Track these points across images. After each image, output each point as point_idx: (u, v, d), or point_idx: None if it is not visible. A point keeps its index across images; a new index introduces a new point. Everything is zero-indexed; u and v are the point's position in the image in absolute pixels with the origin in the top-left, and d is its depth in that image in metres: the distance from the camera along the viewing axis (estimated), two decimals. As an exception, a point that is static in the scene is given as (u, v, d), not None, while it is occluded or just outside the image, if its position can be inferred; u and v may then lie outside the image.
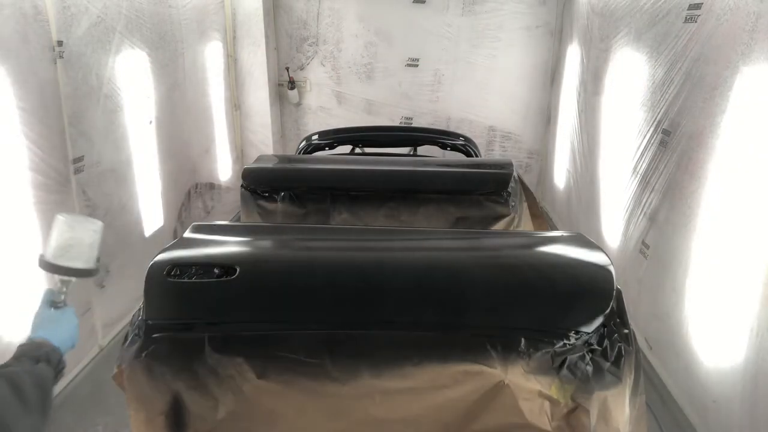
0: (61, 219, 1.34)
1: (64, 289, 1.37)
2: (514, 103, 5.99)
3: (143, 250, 3.48)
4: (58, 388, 2.91)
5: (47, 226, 2.74)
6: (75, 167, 2.98)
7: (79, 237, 1.34)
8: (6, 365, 1.19)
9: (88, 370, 3.11)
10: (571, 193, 4.92)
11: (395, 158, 4.09)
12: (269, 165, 3.37)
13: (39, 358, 1.24)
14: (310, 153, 4.28)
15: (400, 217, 2.82)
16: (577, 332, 1.54)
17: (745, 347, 2.24)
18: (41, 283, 2.72)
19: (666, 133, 3.01)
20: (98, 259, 1.37)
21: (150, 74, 3.82)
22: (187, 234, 1.84)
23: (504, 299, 1.58)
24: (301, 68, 6.08)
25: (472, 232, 2.35)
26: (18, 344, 1.28)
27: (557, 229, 4.62)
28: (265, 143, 5.89)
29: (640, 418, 1.56)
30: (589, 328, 1.55)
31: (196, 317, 1.58)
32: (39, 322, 1.32)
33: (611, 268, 1.65)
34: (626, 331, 1.60)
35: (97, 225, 1.37)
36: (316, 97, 6.17)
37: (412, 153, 4.53)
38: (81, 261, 1.33)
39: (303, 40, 5.98)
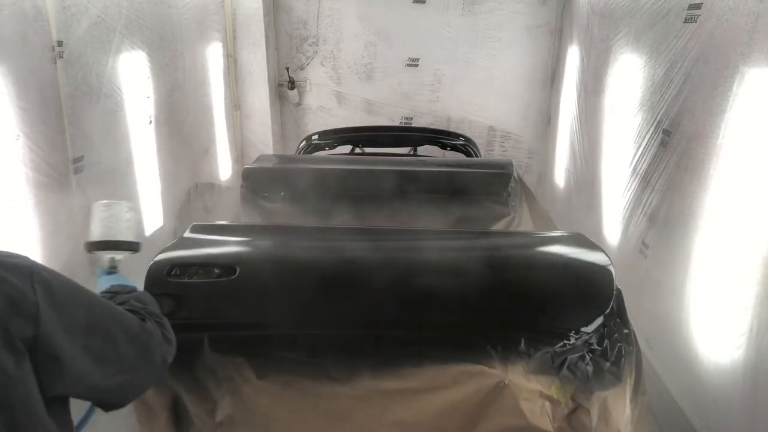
0: (98, 203, 1.43)
1: (115, 266, 1.43)
2: (514, 103, 5.98)
3: (143, 250, 3.47)
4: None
5: (47, 225, 2.74)
6: (75, 167, 2.98)
7: (118, 215, 1.43)
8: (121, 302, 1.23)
9: (88, 370, 3.11)
10: (571, 193, 4.92)
11: (395, 158, 4.09)
12: (269, 165, 3.38)
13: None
14: (310, 153, 4.28)
15: (400, 217, 2.82)
16: (577, 332, 1.54)
17: (745, 347, 2.24)
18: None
19: (666, 133, 3.01)
20: (138, 236, 1.45)
21: (150, 74, 3.82)
22: (187, 234, 1.84)
23: (504, 299, 1.58)
24: (301, 68, 6.07)
25: (472, 232, 2.35)
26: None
27: (557, 229, 4.62)
28: (265, 143, 5.88)
29: (642, 417, 1.56)
30: (589, 328, 1.55)
31: (195, 317, 1.58)
32: (104, 285, 1.36)
33: (611, 268, 1.65)
34: (626, 331, 1.60)
35: (131, 204, 1.46)
36: (316, 97, 6.17)
37: (412, 153, 4.53)
38: (124, 235, 1.41)
39: (303, 40, 5.98)
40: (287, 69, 5.98)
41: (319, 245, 1.91)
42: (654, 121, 3.14)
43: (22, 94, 2.55)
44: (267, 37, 5.64)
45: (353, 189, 2.85)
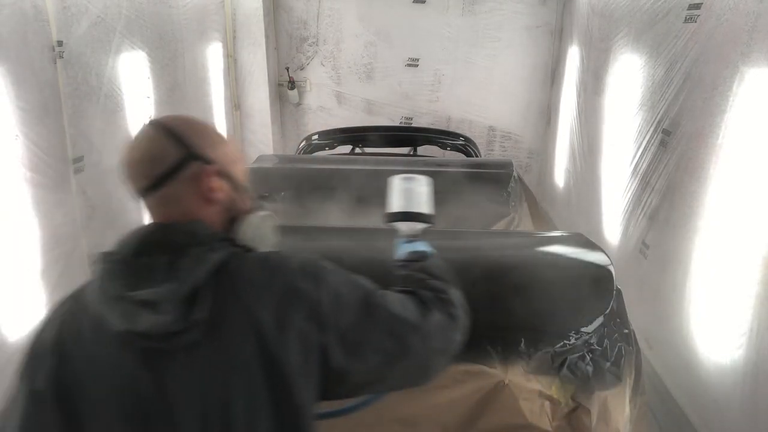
0: (397, 178, 1.50)
1: (415, 234, 1.45)
2: (514, 103, 5.99)
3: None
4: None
5: (47, 225, 2.74)
6: (75, 167, 2.98)
7: (415, 189, 1.47)
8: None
9: (88, 370, 3.11)
10: (571, 193, 4.92)
11: (395, 158, 4.09)
12: (269, 165, 3.37)
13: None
14: (310, 153, 4.28)
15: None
16: (577, 332, 1.54)
17: (745, 347, 2.24)
18: (41, 282, 2.72)
19: (666, 133, 3.01)
20: (431, 209, 1.49)
21: (150, 74, 3.82)
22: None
23: (504, 299, 1.58)
24: (301, 68, 6.08)
25: (471, 232, 2.34)
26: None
27: (557, 229, 4.63)
28: (265, 143, 5.89)
29: (641, 417, 1.56)
30: (589, 328, 1.55)
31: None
32: (401, 253, 1.36)
33: (611, 268, 1.65)
34: (626, 330, 1.60)
35: (427, 179, 1.51)
36: (316, 97, 6.17)
37: (412, 153, 4.52)
38: (423, 208, 1.45)
39: (303, 40, 5.98)
40: (287, 69, 5.98)
41: (320, 245, 1.91)
42: (654, 121, 3.15)
43: (22, 94, 2.55)
44: (267, 37, 5.64)
45: (353, 189, 2.85)
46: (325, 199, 2.82)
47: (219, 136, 1.09)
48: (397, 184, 1.50)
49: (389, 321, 1.03)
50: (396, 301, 1.07)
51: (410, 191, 1.47)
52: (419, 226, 1.44)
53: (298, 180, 3.02)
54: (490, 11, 5.73)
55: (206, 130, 1.07)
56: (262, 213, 1.09)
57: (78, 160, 3.01)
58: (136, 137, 1.04)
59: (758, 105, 2.24)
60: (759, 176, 2.21)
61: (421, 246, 1.34)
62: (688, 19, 2.81)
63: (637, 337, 1.65)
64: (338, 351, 0.97)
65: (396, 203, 1.47)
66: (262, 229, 1.08)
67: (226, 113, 5.44)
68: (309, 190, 2.90)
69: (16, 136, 2.54)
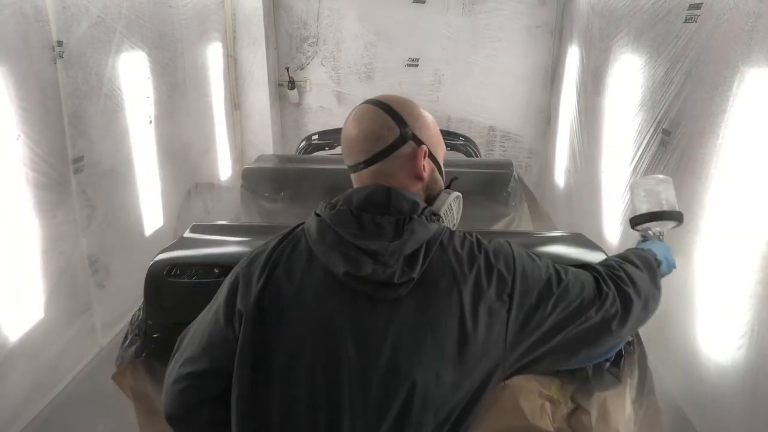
0: (638, 180, 1.58)
1: (661, 235, 1.51)
2: (514, 103, 5.98)
3: (143, 250, 3.48)
4: (56, 389, 2.92)
5: (47, 225, 2.74)
6: (75, 167, 2.98)
7: (659, 189, 1.51)
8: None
9: (88, 370, 3.11)
10: (571, 193, 4.92)
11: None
12: (269, 165, 3.38)
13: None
14: (310, 153, 4.28)
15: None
16: (577, 332, 1.54)
17: (745, 347, 2.24)
18: (41, 281, 2.72)
19: (666, 133, 3.01)
20: (674, 207, 1.52)
21: (150, 74, 3.82)
22: (187, 234, 1.84)
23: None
24: (301, 68, 6.08)
25: (471, 232, 2.34)
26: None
27: (557, 229, 4.63)
28: (265, 143, 5.88)
29: (653, 417, 1.56)
30: (589, 328, 1.55)
31: (196, 317, 1.58)
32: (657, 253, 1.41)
33: (611, 268, 1.64)
34: (626, 331, 1.59)
35: (667, 178, 1.55)
36: (316, 97, 6.17)
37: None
38: (666, 206, 1.49)
39: (303, 40, 5.98)
40: (287, 69, 5.98)
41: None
42: (654, 121, 3.14)
43: (22, 94, 2.55)
44: (267, 37, 5.64)
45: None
46: (324, 199, 2.82)
47: (427, 117, 1.20)
48: (638, 188, 1.54)
49: (567, 302, 1.09)
50: (575, 282, 1.12)
51: (655, 193, 1.51)
52: (668, 226, 1.50)
53: (298, 180, 3.02)
54: (490, 11, 5.73)
55: (420, 112, 1.18)
56: (455, 194, 1.19)
57: (78, 160, 3.01)
58: (357, 114, 1.16)
59: (758, 105, 2.24)
60: (759, 176, 2.21)
61: (664, 250, 1.42)
62: (689, 19, 2.81)
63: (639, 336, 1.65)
64: (517, 329, 1.04)
65: (642, 206, 1.51)
66: (454, 209, 1.19)
67: (226, 113, 5.45)
68: (309, 190, 2.90)
69: (18, 136, 2.54)
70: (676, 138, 2.89)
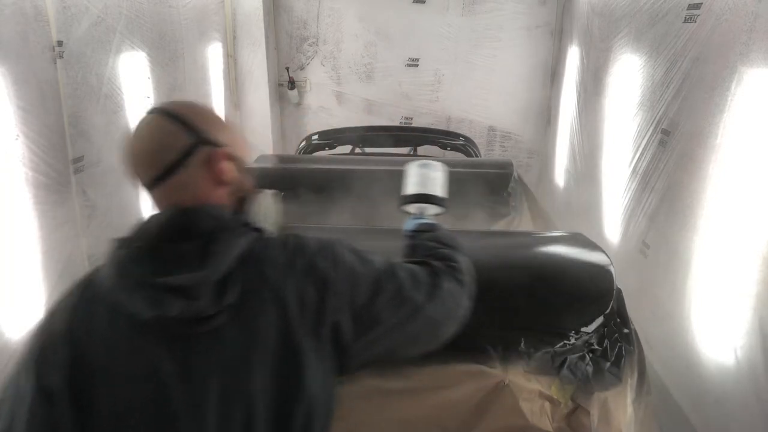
0: (413, 163, 1.59)
1: (422, 213, 1.52)
2: (514, 103, 5.98)
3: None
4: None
5: (47, 225, 2.74)
6: (75, 167, 2.98)
7: (429, 174, 1.55)
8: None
9: (88, 370, 3.11)
10: (571, 193, 4.92)
11: (395, 158, 4.09)
12: (269, 165, 3.37)
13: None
14: (310, 153, 4.28)
15: (401, 216, 2.81)
16: (577, 332, 1.54)
17: (745, 347, 2.24)
18: (40, 282, 2.72)
19: (665, 132, 3.01)
20: (445, 194, 1.55)
21: (150, 74, 3.82)
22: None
23: (504, 299, 1.58)
24: (301, 68, 6.08)
25: (471, 232, 2.35)
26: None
27: (557, 229, 4.63)
28: (265, 143, 5.89)
29: (649, 418, 1.56)
30: (589, 328, 1.55)
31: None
32: (410, 226, 1.43)
33: (611, 268, 1.65)
34: (627, 330, 1.60)
35: (442, 165, 1.61)
36: (316, 97, 6.17)
37: (412, 153, 4.52)
38: (436, 191, 1.52)
39: (303, 40, 5.98)
40: (287, 69, 5.98)
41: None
42: (653, 121, 3.15)
43: (22, 94, 2.55)
44: (267, 37, 5.64)
45: (353, 189, 2.85)
46: (325, 199, 2.82)
47: (220, 118, 1.10)
48: (411, 168, 1.57)
49: (401, 296, 1.06)
50: (407, 276, 1.10)
51: (425, 176, 1.54)
52: (432, 209, 1.50)
53: (298, 180, 3.02)
54: (490, 11, 5.73)
55: (209, 112, 1.08)
56: (268, 192, 1.14)
57: (78, 160, 3.01)
58: (140, 127, 1.06)
59: (757, 105, 2.25)
60: (758, 176, 2.21)
61: (429, 220, 1.41)
62: (688, 19, 2.81)
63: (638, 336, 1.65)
64: (351, 328, 1.00)
65: (411, 187, 1.53)
66: (270, 208, 1.15)
67: (226, 113, 5.44)
68: (309, 190, 2.90)
69: (17, 136, 2.54)
70: (676, 138, 2.89)
